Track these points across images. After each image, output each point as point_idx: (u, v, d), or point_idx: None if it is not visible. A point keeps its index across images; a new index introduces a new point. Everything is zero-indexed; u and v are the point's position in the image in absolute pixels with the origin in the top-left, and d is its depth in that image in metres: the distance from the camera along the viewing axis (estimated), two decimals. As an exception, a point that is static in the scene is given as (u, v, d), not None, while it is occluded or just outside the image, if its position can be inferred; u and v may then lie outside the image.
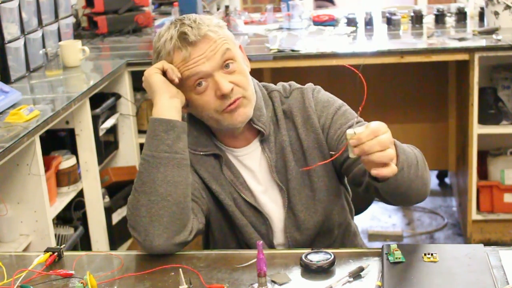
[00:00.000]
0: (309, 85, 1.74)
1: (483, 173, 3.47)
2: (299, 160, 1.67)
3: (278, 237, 1.70)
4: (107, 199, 3.15)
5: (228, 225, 1.70)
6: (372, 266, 1.41)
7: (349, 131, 1.36)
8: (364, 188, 1.60)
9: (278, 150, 1.67)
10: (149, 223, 1.49)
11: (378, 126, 1.37)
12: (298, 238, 1.69)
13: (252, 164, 1.68)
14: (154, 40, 1.62)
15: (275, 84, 1.76)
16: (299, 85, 1.74)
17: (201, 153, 1.66)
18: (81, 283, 1.34)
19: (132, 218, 1.51)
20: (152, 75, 1.57)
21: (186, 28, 1.54)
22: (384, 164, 1.37)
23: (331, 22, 3.83)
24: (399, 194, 1.51)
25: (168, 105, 1.54)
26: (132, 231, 1.52)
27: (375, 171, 1.37)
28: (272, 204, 1.69)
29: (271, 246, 1.69)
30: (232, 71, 1.57)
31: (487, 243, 3.37)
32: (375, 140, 1.34)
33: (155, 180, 1.50)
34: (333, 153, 1.57)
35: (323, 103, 1.69)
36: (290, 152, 1.67)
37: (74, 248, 2.83)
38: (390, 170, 1.38)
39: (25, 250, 2.45)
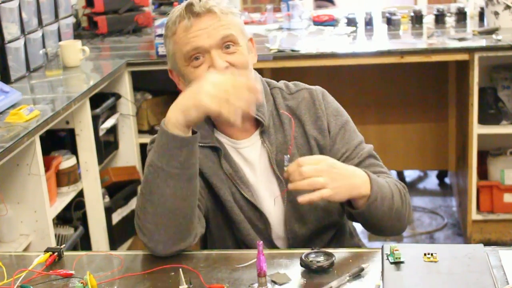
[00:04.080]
0: (317, 87, 1.76)
1: (483, 173, 3.47)
2: (304, 155, 1.68)
3: (277, 232, 1.70)
4: (107, 199, 3.15)
5: (226, 222, 1.70)
6: (372, 266, 1.41)
7: (285, 168, 1.53)
8: (342, 211, 1.73)
9: (280, 144, 1.68)
10: (154, 230, 1.48)
11: (306, 158, 1.53)
12: (297, 231, 1.69)
13: (252, 157, 1.68)
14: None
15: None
16: (307, 86, 1.76)
17: (200, 144, 1.65)
18: (81, 283, 1.34)
19: (139, 220, 1.50)
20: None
21: (194, 0, 1.57)
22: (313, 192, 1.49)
23: (331, 22, 3.84)
24: (372, 225, 1.64)
25: (185, 120, 1.44)
26: (138, 231, 1.51)
27: (300, 199, 1.51)
28: (271, 197, 1.69)
29: (269, 241, 1.70)
30: (232, 52, 1.58)
31: (487, 243, 3.37)
32: (296, 171, 1.49)
33: (163, 194, 1.46)
34: None
35: (333, 111, 1.72)
36: (294, 146, 1.68)
37: (74, 248, 2.83)
38: (314, 196, 1.49)
39: (25, 250, 2.45)
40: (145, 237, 1.49)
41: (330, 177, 1.48)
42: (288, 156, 1.57)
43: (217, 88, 1.40)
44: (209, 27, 1.56)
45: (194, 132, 1.48)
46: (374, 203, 1.55)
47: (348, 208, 1.61)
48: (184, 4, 1.58)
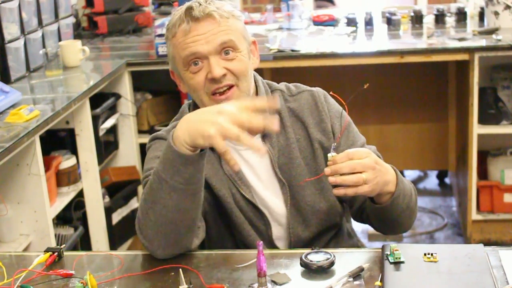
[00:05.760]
0: (318, 89, 1.76)
1: (483, 173, 3.47)
2: (307, 158, 1.68)
3: (277, 232, 1.70)
4: (107, 199, 3.16)
5: (225, 224, 1.69)
6: (372, 266, 1.41)
7: (329, 155, 1.46)
8: (356, 210, 1.72)
9: (282, 146, 1.68)
10: (154, 236, 1.47)
11: (355, 151, 1.47)
12: (301, 234, 1.69)
13: (253, 159, 1.68)
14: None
15: (278, 83, 1.77)
16: (308, 87, 1.76)
17: None
18: (81, 283, 1.34)
19: (140, 223, 1.49)
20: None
21: (195, 4, 1.56)
22: (351, 186, 1.44)
23: (331, 22, 3.84)
24: (389, 221, 1.63)
25: (191, 143, 1.37)
26: (138, 232, 1.50)
27: (335, 191, 1.46)
28: (273, 198, 1.68)
29: (269, 242, 1.69)
30: (231, 58, 1.57)
31: (487, 243, 3.37)
32: (346, 163, 1.44)
33: (166, 205, 1.44)
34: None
35: (336, 113, 1.73)
36: (296, 149, 1.68)
37: (74, 248, 2.83)
38: (351, 191, 1.45)
39: (25, 250, 2.45)
40: (145, 240, 1.49)
41: (372, 174, 1.45)
42: (335, 144, 1.51)
43: (230, 126, 1.31)
44: (207, 32, 1.55)
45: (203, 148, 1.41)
46: (397, 199, 1.55)
47: (370, 202, 1.59)
48: (184, 6, 1.58)
